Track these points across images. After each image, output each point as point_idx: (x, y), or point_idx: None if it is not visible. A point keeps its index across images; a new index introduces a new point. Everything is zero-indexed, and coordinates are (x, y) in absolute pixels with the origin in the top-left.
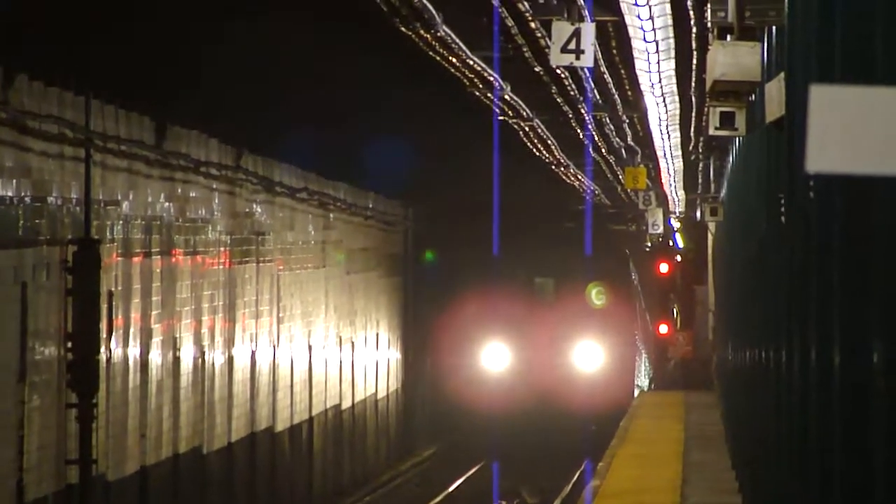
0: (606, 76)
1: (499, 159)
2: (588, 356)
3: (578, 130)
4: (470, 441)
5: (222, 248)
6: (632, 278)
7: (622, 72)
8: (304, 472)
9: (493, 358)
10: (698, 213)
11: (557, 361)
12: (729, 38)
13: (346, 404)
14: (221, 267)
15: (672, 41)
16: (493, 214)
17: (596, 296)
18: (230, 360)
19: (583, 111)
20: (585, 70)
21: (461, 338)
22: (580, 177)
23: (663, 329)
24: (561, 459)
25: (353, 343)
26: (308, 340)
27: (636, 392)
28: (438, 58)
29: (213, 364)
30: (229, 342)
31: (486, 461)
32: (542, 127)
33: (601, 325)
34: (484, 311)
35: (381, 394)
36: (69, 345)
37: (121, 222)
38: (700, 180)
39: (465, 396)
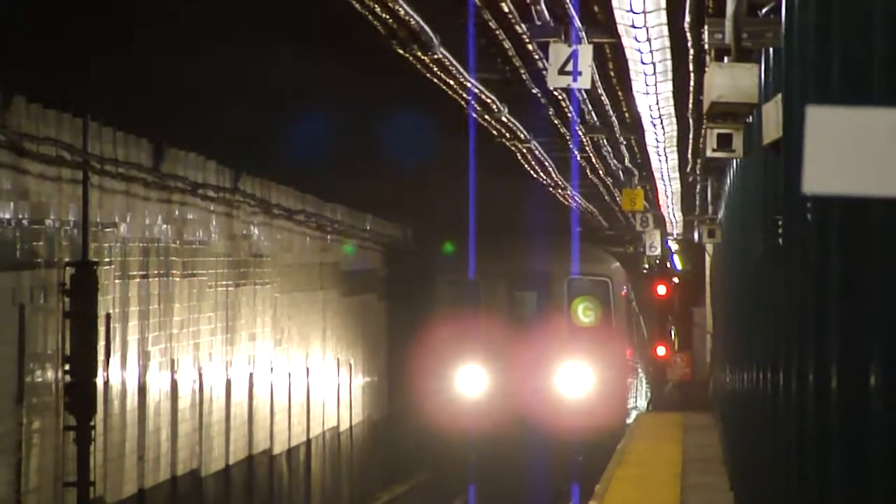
0: (604, 97)
1: (475, 159)
2: (574, 379)
3: (576, 152)
4: (447, 474)
5: (221, 270)
6: (624, 293)
7: (619, 93)
8: None
9: (468, 382)
10: (696, 235)
11: (539, 385)
12: (726, 59)
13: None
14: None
15: (669, 63)
16: (470, 228)
17: (584, 312)
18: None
19: (576, 132)
20: (575, 90)
21: (434, 360)
22: (577, 198)
23: (661, 351)
24: (545, 494)
25: (343, 366)
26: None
27: (631, 417)
28: (436, 80)
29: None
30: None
31: (463, 499)
32: (540, 149)
33: (589, 345)
34: (458, 330)
35: (349, 425)
36: (67, 367)
37: (118, 244)
38: (698, 202)
39: (439, 425)
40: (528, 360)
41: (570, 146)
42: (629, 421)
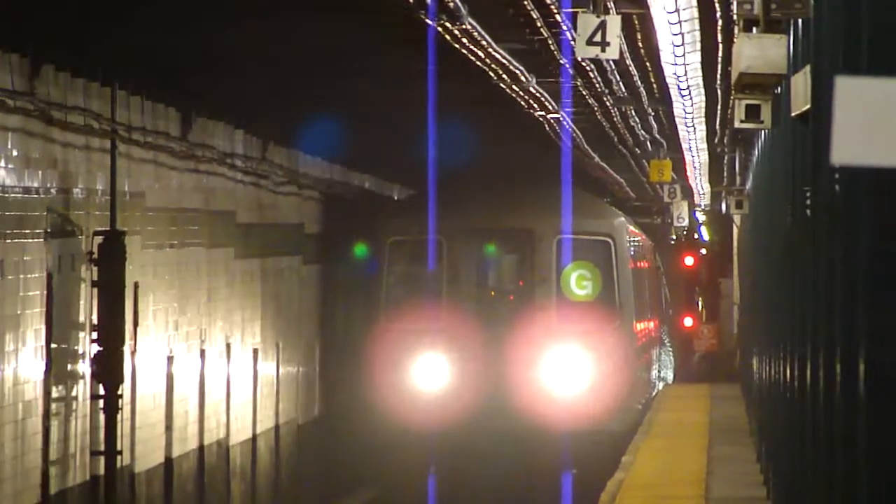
0: (632, 68)
1: (434, 80)
2: (565, 371)
3: (604, 122)
4: (401, 493)
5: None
6: (632, 257)
7: (647, 64)
8: None
9: (427, 375)
10: (724, 206)
11: (520, 379)
12: (755, 30)
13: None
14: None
15: (698, 34)
16: (429, 169)
17: (578, 282)
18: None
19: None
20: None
21: (383, 347)
22: (608, 170)
23: (688, 322)
24: None
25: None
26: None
27: (641, 413)
28: (464, 50)
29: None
30: None
31: None
32: (568, 119)
33: (585, 326)
34: (415, 307)
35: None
36: (95, 336)
37: (147, 213)
38: (725, 173)
39: (389, 430)
40: (506, 347)
41: (599, 117)
42: (638, 418)
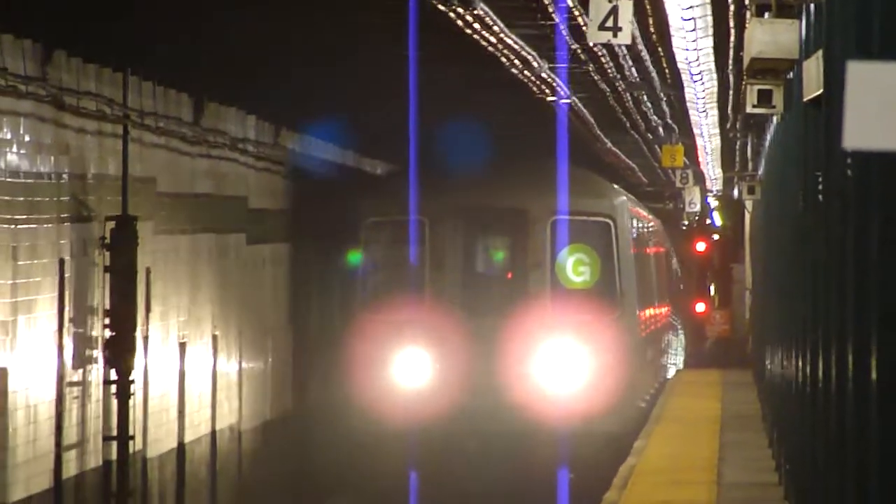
0: (644, 53)
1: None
2: (560, 366)
3: (616, 107)
4: (382, 498)
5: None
6: (634, 240)
7: (659, 49)
8: None
9: (408, 371)
10: (736, 192)
11: (511, 375)
12: (767, 15)
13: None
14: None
15: (710, 18)
16: (410, 144)
17: (575, 268)
18: None
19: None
20: None
21: (361, 340)
22: (620, 155)
23: (700, 308)
24: None
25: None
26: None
27: (644, 411)
28: (476, 36)
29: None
30: None
31: None
32: (580, 104)
33: (583, 316)
34: (395, 296)
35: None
36: (107, 321)
37: (158, 199)
38: (737, 158)
39: (369, 430)
40: (495, 340)
41: (612, 101)
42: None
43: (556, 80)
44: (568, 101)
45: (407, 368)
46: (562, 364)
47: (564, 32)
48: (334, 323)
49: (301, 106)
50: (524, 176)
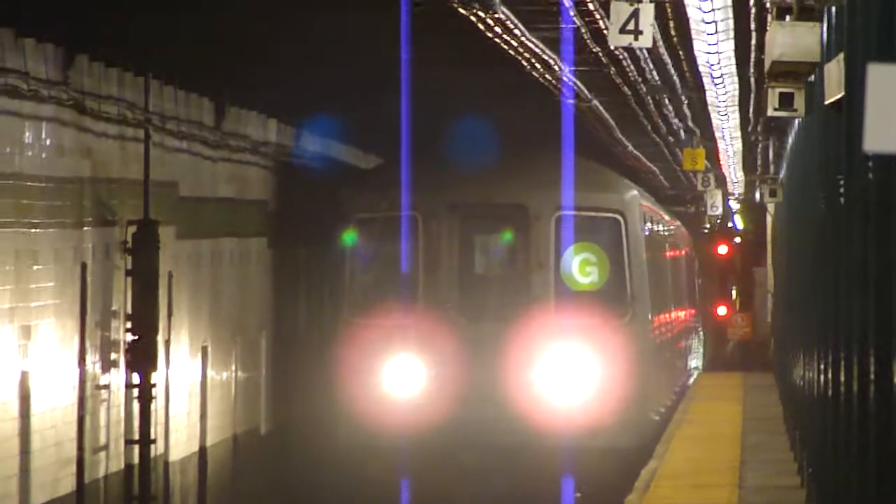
0: (665, 57)
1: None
2: (565, 374)
3: (638, 111)
4: None
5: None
6: (646, 238)
7: (680, 53)
8: None
9: (400, 380)
10: (757, 195)
11: (511, 384)
12: (788, 18)
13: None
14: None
15: (731, 21)
16: (403, 134)
17: (581, 269)
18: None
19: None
20: None
21: (347, 347)
22: (641, 158)
23: (722, 311)
24: None
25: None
26: None
27: (659, 424)
28: (497, 39)
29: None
30: None
31: None
32: (601, 108)
33: (590, 321)
34: (385, 299)
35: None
36: (129, 325)
37: (179, 203)
38: (759, 161)
39: (356, 444)
40: (494, 346)
41: (633, 104)
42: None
43: (563, 68)
44: (573, 89)
45: (398, 377)
46: (567, 372)
47: (571, 16)
48: (319, 328)
49: (319, 108)
50: (526, 168)
